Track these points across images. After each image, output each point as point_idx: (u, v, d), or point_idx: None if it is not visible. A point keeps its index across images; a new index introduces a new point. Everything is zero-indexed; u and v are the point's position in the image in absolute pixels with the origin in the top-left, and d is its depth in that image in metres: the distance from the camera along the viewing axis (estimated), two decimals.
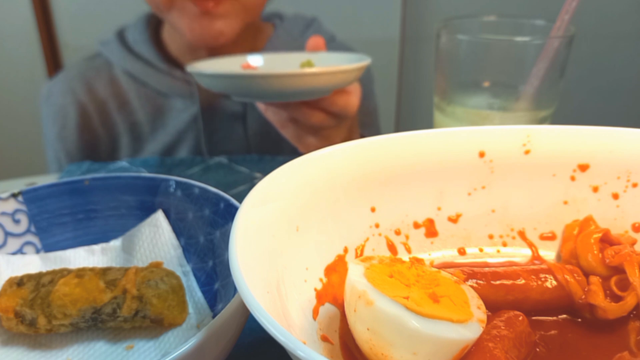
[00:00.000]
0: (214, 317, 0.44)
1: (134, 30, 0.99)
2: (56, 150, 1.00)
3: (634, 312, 0.38)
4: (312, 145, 0.77)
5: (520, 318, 0.36)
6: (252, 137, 0.98)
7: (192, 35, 0.85)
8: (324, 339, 0.37)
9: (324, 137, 0.77)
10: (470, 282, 0.39)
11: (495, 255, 0.47)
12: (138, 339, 0.45)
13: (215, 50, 0.92)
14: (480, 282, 0.39)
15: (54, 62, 1.90)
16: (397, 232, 0.46)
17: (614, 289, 0.38)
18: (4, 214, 0.51)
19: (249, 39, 0.98)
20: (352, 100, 0.74)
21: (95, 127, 0.99)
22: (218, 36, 0.85)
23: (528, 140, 0.46)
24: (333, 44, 1.05)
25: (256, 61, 0.84)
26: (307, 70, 0.64)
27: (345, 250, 0.43)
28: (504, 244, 0.47)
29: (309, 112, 0.72)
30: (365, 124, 1.01)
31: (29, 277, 0.45)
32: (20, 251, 0.52)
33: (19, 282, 0.45)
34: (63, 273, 0.45)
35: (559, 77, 0.65)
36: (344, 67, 0.66)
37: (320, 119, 0.73)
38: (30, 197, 0.53)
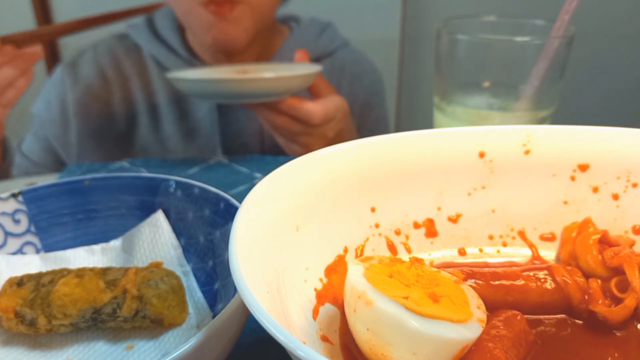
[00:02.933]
0: (214, 317, 0.44)
1: (163, 17, 1.01)
2: (66, 114, 1.00)
3: (634, 313, 0.38)
4: (297, 152, 0.83)
5: (519, 317, 0.36)
6: (267, 132, 0.99)
7: (208, 41, 0.88)
8: (324, 339, 0.37)
9: (304, 145, 0.83)
10: (470, 282, 0.39)
11: (495, 255, 0.47)
12: (138, 339, 0.45)
13: (233, 53, 0.94)
14: (480, 282, 0.39)
15: (53, 62, 1.90)
16: (397, 232, 0.46)
17: (614, 290, 0.38)
18: (4, 214, 0.51)
19: (264, 40, 1.00)
20: (311, 107, 0.79)
21: (116, 102, 1.01)
22: (233, 41, 0.88)
23: (528, 140, 0.46)
24: (345, 49, 1.07)
25: (252, 69, 0.90)
26: (248, 76, 0.77)
27: (345, 250, 0.43)
28: (504, 244, 0.47)
29: (273, 114, 0.79)
30: (376, 131, 1.02)
31: (29, 277, 0.45)
32: (20, 251, 0.52)
33: (19, 282, 0.45)
34: (63, 273, 0.45)
35: (559, 77, 0.65)
36: (283, 75, 0.77)
37: (284, 122, 0.80)
38: (30, 197, 0.53)
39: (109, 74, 1.01)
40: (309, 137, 0.82)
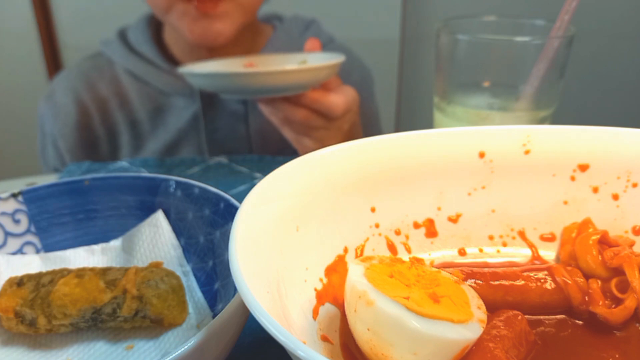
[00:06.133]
0: (214, 317, 0.44)
1: (136, 30, 1.00)
2: (58, 148, 1.01)
3: (634, 314, 0.38)
4: (309, 148, 0.79)
5: (519, 317, 0.36)
6: (253, 137, 0.99)
7: (191, 36, 0.86)
8: (324, 339, 0.37)
9: (318, 139, 0.79)
10: (469, 282, 0.39)
11: (495, 255, 0.47)
12: (138, 339, 0.45)
13: (215, 50, 0.93)
14: (479, 282, 0.39)
15: (54, 62, 1.90)
16: (397, 232, 0.46)
17: (614, 291, 0.38)
18: (4, 214, 0.51)
19: (248, 40, 0.99)
20: (335, 99, 0.75)
21: (96, 126, 1.00)
22: (217, 36, 0.86)
23: (528, 140, 0.46)
24: (331, 45, 1.05)
25: (259, 60, 0.87)
26: (274, 69, 0.72)
27: (345, 250, 0.43)
28: (504, 244, 0.47)
29: (293, 108, 0.75)
30: (367, 127, 1.02)
31: (29, 277, 0.45)
32: (20, 251, 0.52)
33: (19, 282, 0.45)
34: (63, 273, 0.45)
35: (559, 77, 0.65)
36: (310, 66, 0.71)
37: (304, 116, 0.75)
38: (30, 197, 0.53)
39: (85, 98, 0.98)
40: (325, 131, 0.78)
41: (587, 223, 0.45)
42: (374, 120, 1.10)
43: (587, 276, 0.40)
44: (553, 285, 0.39)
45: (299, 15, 1.07)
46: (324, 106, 0.75)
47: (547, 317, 0.39)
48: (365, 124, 1.02)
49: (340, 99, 0.76)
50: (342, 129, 0.80)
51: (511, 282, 0.39)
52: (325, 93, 0.75)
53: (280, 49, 0.97)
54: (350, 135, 0.82)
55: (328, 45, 1.04)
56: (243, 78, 0.72)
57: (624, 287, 0.38)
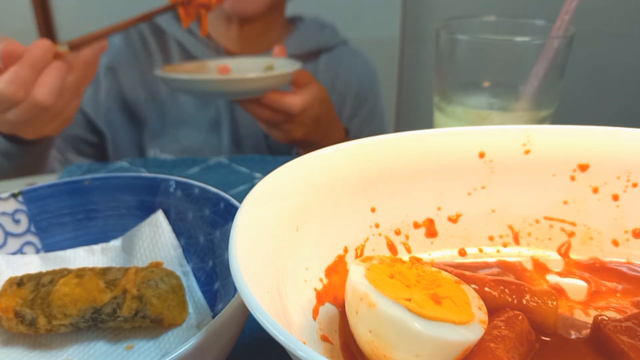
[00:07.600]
0: (214, 317, 0.44)
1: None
2: (55, 147, 1.02)
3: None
4: (279, 137, 0.93)
5: (520, 317, 0.36)
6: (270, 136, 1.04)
7: (225, 7, 0.95)
8: (324, 339, 0.37)
9: (285, 130, 0.91)
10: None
11: (495, 255, 0.47)
12: (138, 339, 0.45)
13: (247, 23, 1.03)
14: (475, 287, 0.39)
15: None
16: (397, 232, 0.46)
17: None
18: (4, 214, 0.51)
19: (275, 34, 1.10)
20: (291, 100, 0.87)
21: (97, 125, 1.03)
22: (250, 5, 0.97)
23: (528, 140, 0.46)
24: (344, 47, 1.16)
25: (233, 63, 0.96)
26: (229, 76, 0.85)
27: (345, 250, 0.43)
28: (504, 244, 0.47)
29: (258, 108, 0.87)
30: (372, 125, 1.16)
31: (29, 277, 0.45)
32: (20, 251, 0.52)
33: (19, 282, 0.45)
34: (63, 273, 0.45)
35: (559, 77, 0.65)
36: (264, 75, 0.85)
37: (268, 115, 0.88)
38: (30, 197, 0.53)
39: (137, 46, 1.07)
40: (289, 124, 0.90)
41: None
42: (377, 114, 1.19)
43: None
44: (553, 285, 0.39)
45: (318, 17, 1.18)
46: (282, 106, 0.86)
47: None
48: (367, 117, 1.15)
49: (297, 99, 0.87)
50: (304, 122, 0.90)
51: (511, 282, 0.39)
52: (282, 94, 0.87)
53: (297, 45, 1.08)
54: (316, 125, 0.93)
55: (341, 45, 1.16)
56: (207, 84, 0.82)
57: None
